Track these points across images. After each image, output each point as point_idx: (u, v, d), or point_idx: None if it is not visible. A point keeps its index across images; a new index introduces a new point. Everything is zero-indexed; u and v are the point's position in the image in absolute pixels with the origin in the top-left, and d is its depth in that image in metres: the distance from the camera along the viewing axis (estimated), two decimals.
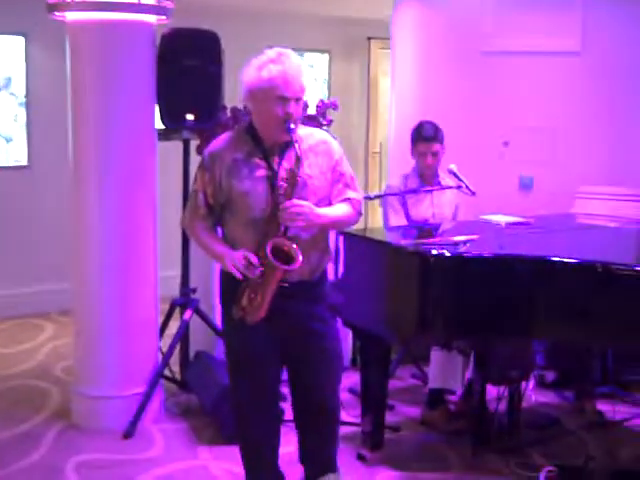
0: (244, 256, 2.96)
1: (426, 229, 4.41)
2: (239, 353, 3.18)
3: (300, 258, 2.95)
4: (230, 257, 3.00)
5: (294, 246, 2.96)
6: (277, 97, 2.97)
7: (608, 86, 5.47)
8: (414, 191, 4.51)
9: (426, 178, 4.57)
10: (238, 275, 2.97)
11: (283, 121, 2.97)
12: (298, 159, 2.97)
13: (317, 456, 3.33)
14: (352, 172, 3.23)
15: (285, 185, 2.97)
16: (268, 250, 2.94)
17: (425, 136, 4.47)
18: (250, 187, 3.01)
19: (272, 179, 3.01)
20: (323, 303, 3.19)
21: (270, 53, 3.01)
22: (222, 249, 3.07)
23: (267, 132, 3.04)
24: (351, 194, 3.18)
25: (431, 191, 4.54)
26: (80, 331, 4.40)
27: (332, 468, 3.32)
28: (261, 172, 3.03)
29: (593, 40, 5.43)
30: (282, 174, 3.01)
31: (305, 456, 3.36)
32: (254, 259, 2.95)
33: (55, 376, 5.08)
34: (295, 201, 2.96)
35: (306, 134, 3.11)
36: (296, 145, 2.98)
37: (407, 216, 4.54)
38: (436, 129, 4.50)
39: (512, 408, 4.17)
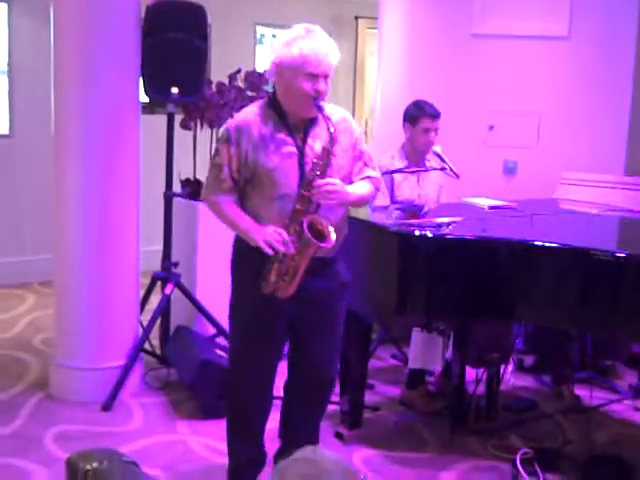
0: (277, 231, 2.94)
1: (411, 210, 4.41)
2: (250, 329, 3.14)
3: (334, 237, 2.96)
4: (260, 232, 2.97)
5: (328, 224, 2.97)
6: (307, 74, 2.96)
7: (595, 72, 5.48)
8: (399, 171, 4.50)
9: (415, 158, 4.56)
10: (269, 251, 2.94)
11: (312, 98, 2.97)
12: (332, 138, 2.97)
13: (304, 429, 3.32)
14: (369, 150, 3.25)
15: (321, 163, 2.97)
16: (305, 226, 2.93)
17: (430, 112, 4.46)
18: (278, 163, 3.00)
19: (300, 156, 3.01)
20: (337, 279, 3.19)
21: (299, 29, 3.02)
22: (250, 224, 3.03)
23: (294, 108, 3.03)
24: (370, 172, 3.22)
25: (416, 172, 4.53)
26: (60, 303, 4.38)
27: (316, 441, 3.34)
28: (289, 148, 3.02)
29: (581, 25, 5.44)
30: (314, 152, 3.01)
31: (292, 429, 3.35)
32: (286, 235, 2.94)
33: (34, 347, 5.06)
34: (328, 179, 2.97)
35: (328, 112, 3.07)
36: (329, 123, 2.98)
37: (392, 196, 4.53)
38: (434, 106, 4.51)
39: (490, 391, 4.20)
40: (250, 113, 3.09)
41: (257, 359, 3.18)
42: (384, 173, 4.48)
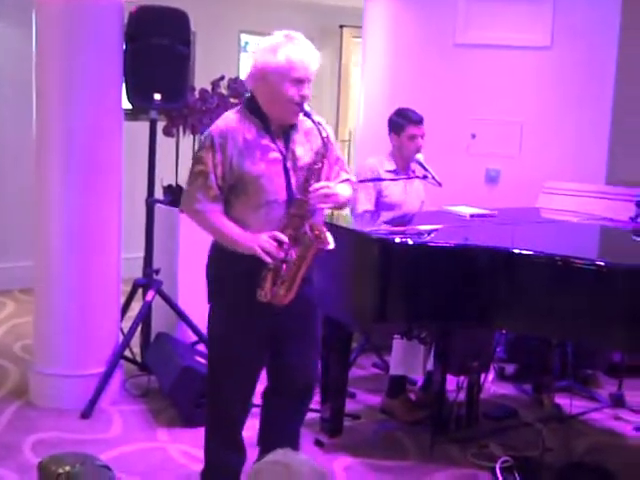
0: (273, 237, 2.93)
1: (397, 217, 4.42)
2: (232, 340, 3.10)
3: (331, 239, 2.96)
4: (255, 240, 2.93)
5: (325, 228, 2.98)
6: (293, 79, 2.97)
7: (577, 82, 5.51)
8: (379, 179, 4.50)
9: (403, 166, 4.57)
10: (267, 259, 2.92)
11: (296, 103, 2.97)
12: (325, 142, 2.98)
13: (284, 435, 3.27)
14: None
15: (317, 167, 2.98)
16: (308, 229, 2.94)
17: (415, 119, 4.50)
18: (265, 170, 2.98)
19: (284, 162, 3.01)
20: (314, 285, 3.19)
21: (280, 35, 3.03)
22: (241, 233, 2.99)
23: (278, 114, 3.02)
24: (346, 176, 3.24)
25: (397, 180, 4.54)
26: (40, 309, 4.35)
27: (297, 447, 3.30)
28: (274, 154, 3.01)
29: (563, 35, 5.46)
30: (297, 157, 3.02)
31: (271, 436, 3.30)
32: (285, 237, 2.94)
33: (14, 354, 5.03)
34: (324, 182, 2.98)
35: (303, 118, 3.09)
36: (321, 127, 2.99)
37: (377, 202, 4.53)
38: (418, 113, 4.55)
39: (471, 399, 4.20)
40: (232, 119, 3.06)
41: (239, 369, 3.14)
42: (370, 180, 4.50)
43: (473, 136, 5.60)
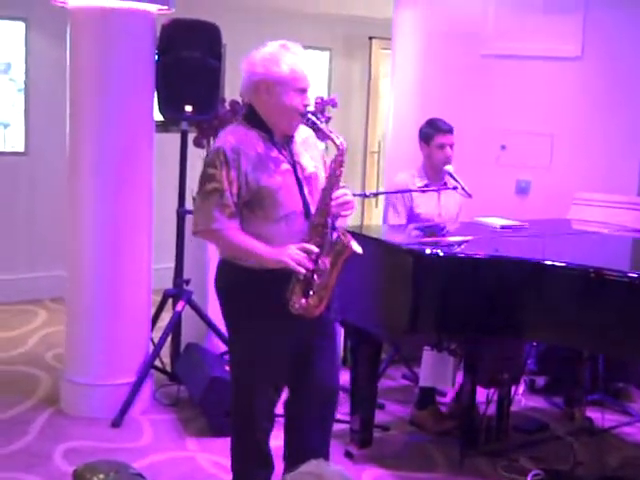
0: (302, 248, 2.92)
1: (428, 229, 4.41)
2: (261, 358, 3.06)
3: (356, 245, 2.95)
4: (285, 253, 2.91)
5: (349, 236, 2.98)
6: (297, 89, 2.98)
7: (607, 92, 5.47)
8: (407, 191, 4.48)
9: (435, 177, 4.53)
10: (300, 270, 2.91)
11: (300, 113, 2.98)
12: (341, 150, 2.97)
13: (313, 446, 3.21)
14: None
15: (338, 174, 2.97)
16: (341, 235, 2.94)
17: (444, 128, 4.49)
18: (282, 182, 2.98)
19: (296, 172, 3.01)
20: (332, 307, 3.17)
21: (276, 45, 3.01)
22: (266, 248, 2.94)
23: (281, 124, 3.02)
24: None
25: (426, 191, 4.52)
26: (72, 319, 4.39)
27: (327, 458, 3.24)
28: (285, 166, 3.01)
29: (593, 45, 5.43)
30: (303, 167, 3.02)
31: (299, 449, 3.24)
32: (315, 248, 2.93)
33: (46, 363, 5.07)
34: (343, 190, 2.98)
35: (300, 129, 3.11)
36: (333, 135, 2.99)
37: (410, 215, 4.50)
38: (447, 122, 4.53)
39: (501, 411, 4.17)
40: (239, 133, 3.02)
41: (263, 384, 3.12)
42: (400, 191, 4.49)
43: (503, 147, 5.58)
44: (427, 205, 4.53)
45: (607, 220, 4.65)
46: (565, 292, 3.46)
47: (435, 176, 4.53)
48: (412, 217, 4.51)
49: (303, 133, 3.14)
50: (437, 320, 3.61)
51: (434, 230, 4.42)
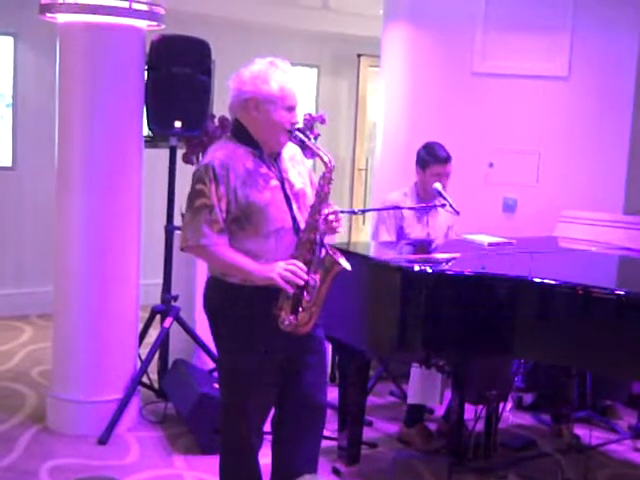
0: (291, 264, 2.92)
1: (420, 245, 4.41)
2: (250, 375, 3.05)
3: (345, 261, 2.96)
4: (273, 270, 2.91)
5: (338, 253, 2.99)
6: (285, 107, 2.99)
7: (594, 111, 5.52)
8: (394, 208, 4.46)
9: (427, 198, 4.49)
10: (289, 288, 2.91)
11: (288, 131, 3.00)
12: (329, 168, 2.99)
13: (301, 463, 3.20)
14: None
15: (326, 191, 2.99)
16: (330, 251, 2.96)
17: (441, 158, 4.42)
18: (270, 198, 2.98)
19: (284, 188, 3.02)
20: (320, 325, 3.18)
21: (265, 62, 3.02)
22: (255, 264, 2.94)
23: (269, 141, 3.03)
24: None
25: (415, 209, 4.52)
26: (59, 335, 4.37)
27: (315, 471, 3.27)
28: (274, 182, 3.02)
29: (580, 65, 5.48)
30: (291, 183, 3.04)
31: (288, 466, 3.22)
32: (303, 265, 2.93)
33: (32, 379, 5.05)
34: (330, 208, 2.99)
35: (287, 147, 3.13)
36: (321, 152, 3.00)
37: (400, 234, 4.49)
38: (446, 149, 4.46)
39: (489, 428, 4.16)
40: (228, 149, 3.03)
41: (253, 400, 3.10)
42: (389, 208, 4.48)
43: (491, 165, 5.61)
44: (414, 229, 4.51)
45: (594, 238, 4.67)
46: (552, 309, 3.47)
47: (427, 198, 4.51)
48: (401, 236, 4.51)
49: (290, 150, 3.16)
50: (425, 337, 3.60)
51: (424, 245, 4.42)
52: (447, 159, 4.45)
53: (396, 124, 5.88)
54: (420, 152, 4.51)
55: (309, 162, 3.33)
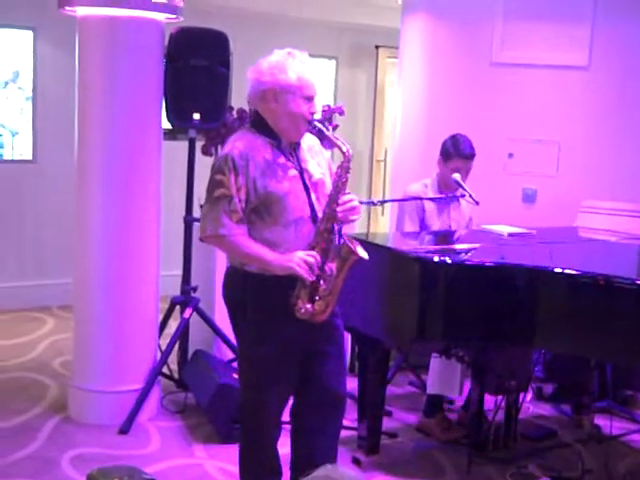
0: (309, 255, 2.93)
1: (442, 234, 4.40)
2: (269, 363, 3.06)
3: (362, 251, 2.97)
4: (292, 259, 2.93)
5: (355, 242, 3.00)
6: (305, 97, 3.00)
7: (614, 101, 5.49)
8: (416, 198, 4.46)
9: (446, 191, 4.48)
10: (309, 276, 2.93)
11: (307, 121, 3.01)
12: (348, 158, 2.99)
13: (321, 452, 3.19)
14: None
15: (344, 180, 2.99)
16: (347, 240, 2.97)
17: (465, 154, 4.38)
18: (290, 188, 2.99)
19: (303, 178, 3.03)
20: (339, 315, 3.19)
21: (283, 53, 3.03)
22: (274, 254, 2.96)
23: (288, 132, 3.04)
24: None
25: (435, 200, 4.51)
26: (80, 326, 4.40)
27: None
28: (293, 172, 3.03)
29: (601, 55, 5.45)
30: (310, 173, 3.05)
31: (307, 454, 3.22)
32: (319, 257, 2.95)
33: (53, 370, 5.08)
34: (348, 196, 2.99)
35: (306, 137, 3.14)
36: (339, 142, 3.01)
37: (422, 226, 4.48)
38: (472, 146, 4.42)
39: (509, 419, 4.17)
40: (247, 139, 3.04)
41: (274, 389, 3.12)
42: (408, 199, 4.48)
43: (510, 155, 5.59)
44: (437, 218, 4.49)
45: (614, 228, 4.65)
46: (573, 300, 3.46)
47: (448, 191, 4.48)
48: (423, 228, 4.50)
49: (309, 140, 3.17)
50: (445, 328, 3.61)
51: (446, 236, 4.40)
52: (471, 155, 4.41)
53: (415, 115, 5.87)
54: (446, 143, 4.46)
55: (327, 153, 3.33)
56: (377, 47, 7.92)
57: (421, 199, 4.48)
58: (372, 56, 7.96)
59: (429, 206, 4.48)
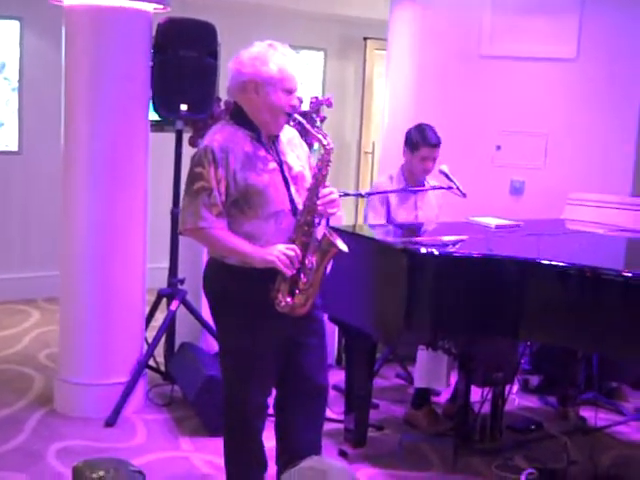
0: (289, 248, 2.93)
1: (408, 228, 4.41)
2: (251, 355, 3.06)
3: (342, 243, 2.96)
4: (271, 253, 2.92)
5: (335, 234, 3.00)
6: (285, 89, 2.98)
7: (602, 93, 5.50)
8: (403, 190, 4.47)
9: (413, 181, 4.51)
10: (288, 271, 2.93)
11: (287, 114, 3.00)
12: (327, 150, 2.99)
13: (305, 443, 3.21)
14: None
15: (324, 173, 2.99)
16: (327, 232, 2.96)
17: (430, 142, 4.39)
18: (270, 180, 2.98)
19: (283, 171, 3.02)
20: (319, 307, 3.20)
21: (264, 45, 3.01)
22: (254, 248, 2.95)
23: (267, 124, 3.02)
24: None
25: (417, 191, 4.51)
26: (65, 318, 4.38)
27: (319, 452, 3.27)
28: (272, 165, 3.02)
29: (589, 47, 5.46)
30: (289, 166, 3.04)
31: (291, 446, 3.24)
32: (299, 250, 2.95)
33: (39, 362, 5.06)
34: (328, 189, 2.99)
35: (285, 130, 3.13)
36: (320, 135, 3.01)
37: (388, 217, 4.49)
38: (437, 134, 4.43)
39: (495, 410, 4.18)
40: (227, 132, 3.02)
41: (256, 380, 3.12)
42: (380, 192, 4.48)
43: (498, 147, 5.59)
44: (402, 211, 4.50)
45: (601, 220, 4.66)
46: (560, 291, 3.46)
47: (413, 180, 4.51)
48: (389, 221, 4.50)
49: (288, 133, 3.16)
50: (431, 319, 3.60)
51: (414, 229, 4.40)
52: (437, 143, 4.41)
53: (403, 107, 5.86)
54: (411, 132, 4.48)
55: (306, 147, 3.30)
56: (365, 39, 7.91)
57: (414, 191, 4.47)
58: (360, 48, 7.95)
59: (392, 198, 4.48)
